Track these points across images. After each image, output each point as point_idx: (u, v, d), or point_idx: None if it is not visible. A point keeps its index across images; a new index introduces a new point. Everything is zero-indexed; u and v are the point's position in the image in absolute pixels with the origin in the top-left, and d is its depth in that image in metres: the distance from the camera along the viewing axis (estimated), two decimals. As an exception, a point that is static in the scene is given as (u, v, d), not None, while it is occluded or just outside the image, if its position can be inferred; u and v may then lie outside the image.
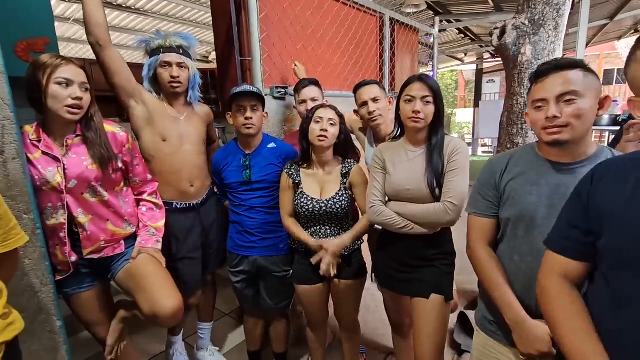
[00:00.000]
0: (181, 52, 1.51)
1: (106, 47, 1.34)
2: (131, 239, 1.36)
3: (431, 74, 3.94)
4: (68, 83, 1.11)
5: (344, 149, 1.49)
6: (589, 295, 0.73)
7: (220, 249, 1.73)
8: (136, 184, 1.40)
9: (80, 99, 1.14)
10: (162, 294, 1.26)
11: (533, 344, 0.88)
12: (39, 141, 1.14)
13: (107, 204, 1.26)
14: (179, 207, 1.57)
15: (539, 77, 0.89)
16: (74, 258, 1.21)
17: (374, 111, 1.56)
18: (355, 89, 1.65)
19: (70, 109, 1.12)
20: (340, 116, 1.44)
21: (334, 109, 1.44)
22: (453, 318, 2.05)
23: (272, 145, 1.61)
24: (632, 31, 5.60)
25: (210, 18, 2.19)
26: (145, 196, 1.42)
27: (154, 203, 1.43)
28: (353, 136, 1.75)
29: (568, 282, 0.75)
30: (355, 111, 1.69)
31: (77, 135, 1.20)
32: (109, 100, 1.61)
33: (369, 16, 2.75)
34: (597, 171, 0.72)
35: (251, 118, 1.49)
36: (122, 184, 1.34)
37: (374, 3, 2.70)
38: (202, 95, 1.67)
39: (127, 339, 1.41)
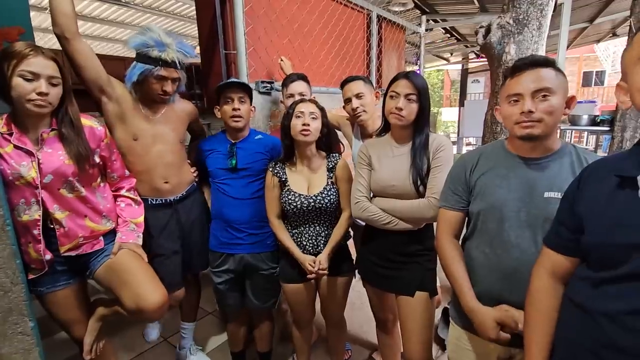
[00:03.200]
0: (179, 67, 1.43)
1: (73, 40, 1.25)
2: (110, 235, 1.32)
3: (418, 72, 3.97)
4: (33, 77, 1.04)
5: (327, 142, 1.47)
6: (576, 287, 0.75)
7: (204, 249, 1.68)
8: (114, 180, 1.35)
9: (45, 94, 1.06)
10: (146, 288, 1.23)
11: (483, 331, 0.94)
12: (11, 134, 1.08)
13: (84, 199, 1.22)
14: (153, 203, 1.52)
15: (515, 72, 0.90)
16: (48, 256, 1.17)
17: (357, 107, 1.56)
18: (342, 85, 1.65)
19: (35, 104, 1.05)
20: (322, 109, 1.42)
21: (314, 102, 1.43)
22: (437, 313, 2.07)
23: (259, 137, 1.61)
24: (611, 34, 5.78)
25: (194, 11, 2.14)
26: (123, 192, 1.37)
27: (132, 199, 1.39)
28: (339, 132, 1.74)
29: (553, 278, 0.78)
30: (344, 107, 1.69)
31: (52, 130, 1.14)
32: (88, 93, 1.54)
33: (356, 12, 2.74)
34: (584, 172, 0.75)
35: (239, 109, 1.46)
36: (99, 179, 1.30)
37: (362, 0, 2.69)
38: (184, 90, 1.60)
39: (105, 338, 1.37)
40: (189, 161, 1.67)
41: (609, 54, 12.29)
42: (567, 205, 0.76)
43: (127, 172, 1.39)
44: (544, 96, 0.87)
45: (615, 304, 0.63)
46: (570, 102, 0.91)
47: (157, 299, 1.22)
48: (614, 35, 5.74)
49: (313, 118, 1.37)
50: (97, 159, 1.26)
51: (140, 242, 1.36)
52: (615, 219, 0.64)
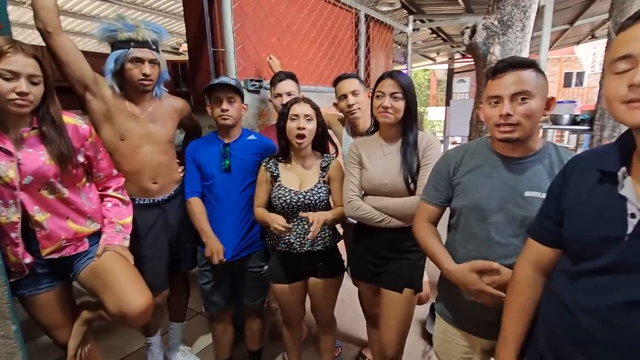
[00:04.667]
0: (154, 47, 1.40)
1: (56, 34, 1.22)
2: (95, 236, 1.29)
3: (405, 72, 4.01)
4: (13, 75, 1.00)
5: (322, 141, 1.48)
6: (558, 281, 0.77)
7: (193, 249, 1.66)
8: (100, 179, 1.32)
9: (26, 94, 1.02)
10: (130, 291, 1.20)
11: (464, 284, 0.96)
12: None
13: (67, 201, 1.18)
14: (141, 203, 1.49)
15: (496, 74, 0.92)
16: (28, 260, 1.13)
17: (353, 104, 1.57)
18: (336, 82, 1.65)
19: (15, 103, 1.02)
20: (316, 109, 1.42)
21: (309, 102, 1.43)
22: (425, 309, 2.11)
23: (251, 137, 1.59)
24: (590, 36, 5.96)
25: (181, 7, 2.11)
26: (110, 192, 1.34)
27: (119, 199, 1.36)
28: (330, 131, 1.74)
29: (536, 270, 0.80)
30: (334, 104, 1.68)
31: (33, 128, 1.11)
32: (71, 90, 1.50)
33: (344, 12, 2.75)
34: (568, 165, 0.76)
35: (227, 110, 1.45)
36: (85, 179, 1.27)
37: (350, -1, 2.70)
38: (166, 90, 1.56)
39: (91, 342, 1.34)
40: (178, 160, 1.64)
41: (588, 56, 12.67)
42: (552, 197, 0.77)
43: (114, 172, 1.36)
44: (523, 99, 0.88)
45: (592, 298, 0.65)
46: (549, 103, 0.93)
47: (141, 303, 1.19)
48: (593, 37, 5.92)
49: (308, 120, 1.37)
50: (82, 159, 1.23)
51: (127, 243, 1.32)
52: (595, 212, 0.66)
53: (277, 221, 1.31)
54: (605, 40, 2.59)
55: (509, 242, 0.93)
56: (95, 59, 1.36)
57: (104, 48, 1.43)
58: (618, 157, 0.66)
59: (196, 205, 1.53)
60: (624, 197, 0.62)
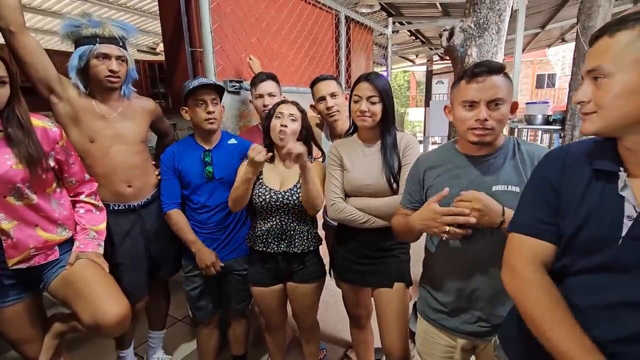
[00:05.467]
0: (121, 44, 1.35)
1: (19, 33, 1.16)
2: (67, 244, 1.23)
3: (385, 73, 4.06)
4: None
5: (306, 145, 1.46)
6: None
7: (173, 255, 1.62)
8: (72, 185, 1.26)
9: None
10: (105, 300, 1.15)
11: (427, 220, 0.93)
12: None
13: (36, 207, 1.13)
14: (116, 208, 1.43)
15: (473, 78, 0.92)
16: None
17: (332, 107, 1.56)
18: (313, 84, 1.64)
19: None
20: (302, 112, 1.42)
21: (296, 104, 1.42)
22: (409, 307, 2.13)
23: (232, 141, 1.55)
24: (560, 40, 6.22)
25: (156, 7, 2.05)
26: (82, 197, 1.29)
27: (92, 204, 1.31)
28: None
29: (544, 270, 0.72)
30: (311, 106, 1.67)
31: None
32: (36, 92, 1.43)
33: (324, 13, 2.75)
34: (558, 156, 0.74)
35: (213, 112, 1.42)
36: (55, 184, 1.21)
37: (330, 0, 2.70)
38: (135, 90, 1.51)
39: (64, 356, 1.28)
40: (153, 162, 1.59)
41: (559, 58, 13.21)
42: (550, 191, 0.73)
43: (87, 176, 1.30)
44: (496, 105, 0.92)
45: (586, 297, 0.65)
46: (514, 107, 0.97)
47: (117, 313, 1.14)
48: (563, 40, 6.18)
49: (292, 120, 1.36)
50: (52, 163, 1.17)
51: (102, 251, 1.28)
52: (589, 210, 0.65)
53: (256, 151, 1.21)
54: (574, 43, 2.70)
55: (481, 236, 0.96)
56: (60, 58, 1.29)
57: (69, 47, 1.36)
58: (612, 156, 0.66)
59: (178, 218, 1.49)
60: (623, 197, 0.62)
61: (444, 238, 0.91)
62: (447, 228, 0.88)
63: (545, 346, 0.66)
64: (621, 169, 0.64)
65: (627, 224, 0.61)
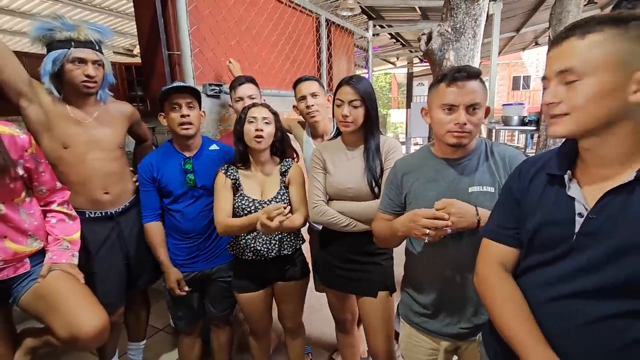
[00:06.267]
0: (97, 47, 1.31)
1: None
2: (38, 255, 1.18)
3: (367, 75, 4.10)
4: None
5: (281, 147, 1.45)
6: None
7: (152, 263, 1.57)
8: (42, 194, 1.21)
9: None
10: (80, 312, 1.11)
11: (409, 223, 0.96)
12: None
13: (4, 218, 1.08)
14: (92, 216, 1.39)
15: (454, 82, 0.94)
16: None
17: (312, 106, 1.56)
18: (295, 84, 1.64)
19: None
20: (275, 114, 1.40)
21: (267, 106, 1.40)
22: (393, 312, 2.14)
23: (213, 147, 1.52)
24: (534, 43, 6.45)
25: (132, 8, 2.00)
26: (54, 206, 1.23)
27: (65, 213, 1.25)
28: (290, 136, 1.73)
29: (505, 270, 0.79)
30: (294, 106, 1.67)
31: None
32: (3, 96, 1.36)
33: (305, 16, 2.75)
34: (523, 168, 0.80)
35: (188, 116, 1.38)
36: (24, 194, 1.15)
37: (310, 3, 2.71)
38: (112, 94, 1.47)
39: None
40: (131, 169, 1.54)
41: (533, 61, 13.68)
42: (511, 198, 0.79)
43: (58, 185, 1.25)
44: (474, 109, 0.94)
45: (541, 291, 0.69)
46: (487, 111, 1.00)
47: (94, 325, 1.10)
48: (537, 44, 6.42)
49: (266, 123, 1.34)
50: (21, 171, 1.12)
51: (76, 261, 1.23)
52: (546, 212, 0.70)
53: (266, 216, 1.17)
54: (547, 47, 2.81)
55: (459, 237, 0.98)
56: (34, 61, 1.23)
57: (40, 49, 1.31)
58: (563, 161, 0.70)
59: (156, 233, 1.47)
60: (573, 197, 0.66)
61: (426, 240, 0.93)
62: (427, 230, 0.91)
63: (505, 339, 0.71)
64: (569, 172, 0.68)
65: (579, 221, 0.65)
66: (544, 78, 0.67)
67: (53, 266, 1.17)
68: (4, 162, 1.04)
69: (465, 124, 0.93)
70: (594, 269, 0.62)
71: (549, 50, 0.67)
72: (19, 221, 1.11)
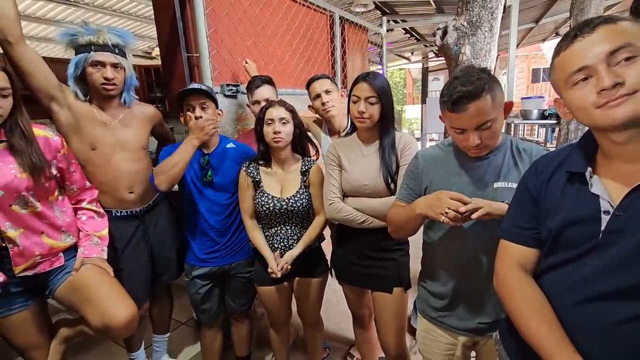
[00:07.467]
0: (117, 51, 1.37)
1: (17, 44, 1.17)
2: (71, 250, 1.25)
3: (381, 71, 4.08)
4: None
5: (301, 143, 1.48)
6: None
7: (175, 259, 1.63)
8: (73, 192, 1.28)
9: None
10: (113, 303, 1.18)
11: (431, 203, 0.92)
12: None
13: (40, 215, 1.15)
14: (118, 215, 1.45)
15: (455, 108, 0.89)
16: (1, 278, 1.08)
17: (327, 102, 1.60)
18: (308, 84, 1.67)
19: None
20: (292, 111, 1.42)
21: (284, 104, 1.42)
22: (409, 305, 2.15)
23: (230, 145, 1.56)
24: (554, 34, 6.24)
25: (152, 11, 2.06)
26: (84, 204, 1.31)
27: (94, 211, 1.33)
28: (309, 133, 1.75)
29: (524, 271, 0.76)
30: (309, 106, 1.70)
31: (1, 142, 1.07)
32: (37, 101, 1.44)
33: (319, 14, 2.76)
34: (539, 165, 0.78)
35: (201, 117, 1.42)
36: (57, 192, 1.23)
37: (324, 1, 2.72)
38: (137, 97, 1.53)
39: (71, 361, 1.30)
40: (154, 168, 1.60)
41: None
42: (528, 197, 0.77)
43: (87, 184, 1.32)
44: (487, 126, 0.90)
45: (569, 293, 0.67)
46: (507, 109, 0.96)
47: (125, 315, 1.17)
48: (557, 34, 6.19)
49: (284, 123, 1.38)
50: (54, 171, 1.19)
51: (105, 256, 1.30)
52: (569, 211, 0.68)
53: (272, 266, 1.37)
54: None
55: (482, 232, 0.97)
56: (60, 65, 1.31)
57: (66, 54, 1.39)
58: (583, 157, 0.69)
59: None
60: (597, 195, 0.65)
61: (442, 219, 0.88)
62: (447, 210, 0.87)
63: (529, 344, 0.69)
64: (589, 169, 0.66)
65: (605, 218, 0.63)
66: (581, 69, 0.61)
67: (85, 260, 1.24)
68: (39, 163, 1.11)
69: (477, 143, 0.92)
70: (620, 267, 0.61)
71: (568, 46, 0.63)
72: (54, 218, 1.19)
